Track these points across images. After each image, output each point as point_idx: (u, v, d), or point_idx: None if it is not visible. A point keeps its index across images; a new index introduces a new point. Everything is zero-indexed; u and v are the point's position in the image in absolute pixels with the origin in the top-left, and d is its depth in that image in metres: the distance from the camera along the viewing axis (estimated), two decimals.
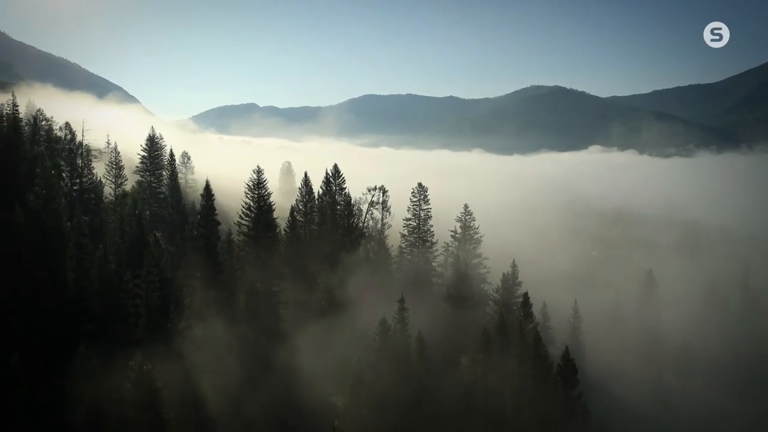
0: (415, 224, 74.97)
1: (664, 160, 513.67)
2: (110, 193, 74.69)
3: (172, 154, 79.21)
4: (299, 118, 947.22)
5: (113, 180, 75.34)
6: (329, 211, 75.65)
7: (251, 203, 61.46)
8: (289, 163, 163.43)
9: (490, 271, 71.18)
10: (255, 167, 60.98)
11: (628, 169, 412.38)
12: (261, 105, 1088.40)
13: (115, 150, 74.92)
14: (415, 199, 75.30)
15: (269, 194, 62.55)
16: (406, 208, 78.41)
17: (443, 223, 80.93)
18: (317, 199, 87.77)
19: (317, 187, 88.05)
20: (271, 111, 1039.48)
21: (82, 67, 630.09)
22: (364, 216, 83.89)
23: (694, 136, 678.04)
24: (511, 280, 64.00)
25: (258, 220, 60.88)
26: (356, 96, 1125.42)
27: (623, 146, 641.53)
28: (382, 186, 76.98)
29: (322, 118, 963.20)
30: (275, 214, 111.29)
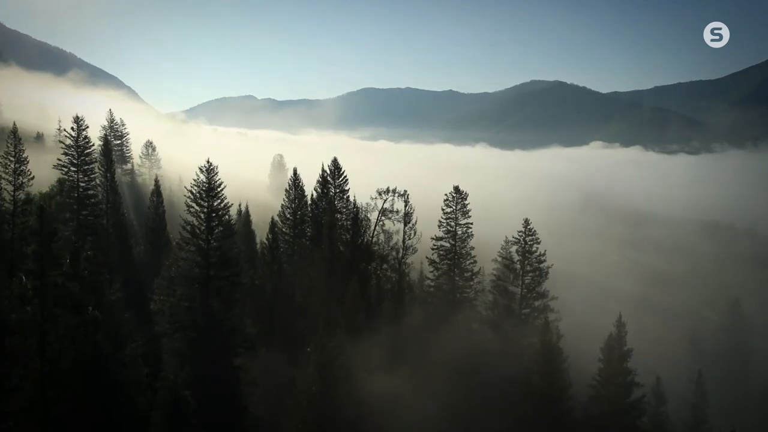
0: (450, 245, 50.96)
1: (672, 157, 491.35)
2: (8, 199, 50.54)
3: (107, 142, 54.78)
4: (297, 111, 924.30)
5: (11, 179, 51.08)
6: (327, 228, 51.42)
7: (196, 222, 35.34)
8: (281, 156, 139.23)
9: (561, 318, 47.48)
10: (204, 163, 35.57)
11: (637, 166, 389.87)
12: (259, 97, 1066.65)
13: (15, 134, 50.28)
14: (449, 209, 51.07)
15: (227, 208, 37.44)
16: (430, 220, 54.67)
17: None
18: (310, 204, 63.97)
19: (312, 187, 64.78)
20: (269, 103, 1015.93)
21: (78, 56, 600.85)
22: (372, 229, 60.04)
23: (697, 132, 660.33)
24: (616, 348, 39.53)
25: (208, 253, 35.92)
26: (355, 89, 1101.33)
27: (625, 142, 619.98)
28: (404, 191, 51.96)
29: (321, 110, 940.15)
30: (258, 217, 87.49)
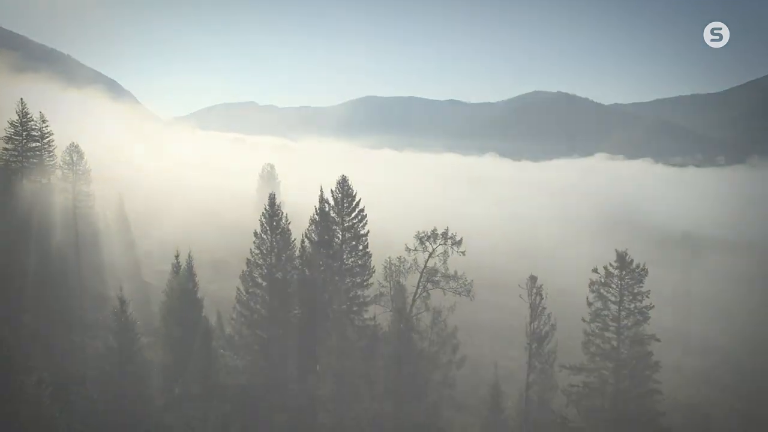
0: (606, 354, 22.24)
1: (682, 170, 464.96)
2: None
3: None
4: (298, 117, 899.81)
5: None
6: (335, 315, 22.16)
7: None
8: (271, 167, 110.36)
9: None
10: None
11: (653, 179, 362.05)
12: (260, 104, 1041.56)
13: None
14: (604, 291, 22.38)
15: None
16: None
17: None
18: (298, 258, 35.50)
19: (308, 213, 37.06)
20: (271, 110, 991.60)
21: (75, 58, 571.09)
22: (410, 305, 32.15)
23: (699, 145, 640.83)
24: None
25: None
26: (357, 97, 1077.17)
27: (629, 154, 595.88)
28: (535, 282, 22.54)
29: (322, 117, 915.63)
30: (233, 253, 60.25)
